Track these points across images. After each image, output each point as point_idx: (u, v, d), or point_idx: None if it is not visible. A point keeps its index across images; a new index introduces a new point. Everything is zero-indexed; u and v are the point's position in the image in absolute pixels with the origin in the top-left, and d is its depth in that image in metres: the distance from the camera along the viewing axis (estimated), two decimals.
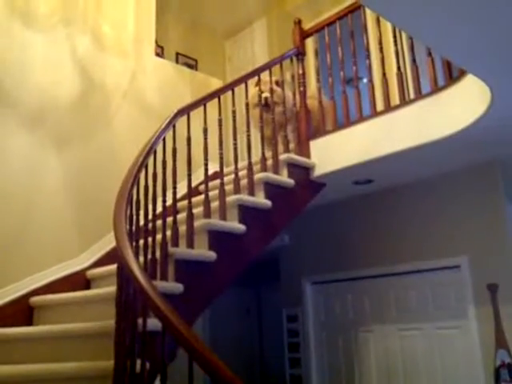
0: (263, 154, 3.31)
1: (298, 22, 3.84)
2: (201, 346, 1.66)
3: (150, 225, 2.65)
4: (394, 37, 3.23)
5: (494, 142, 3.00)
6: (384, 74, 3.23)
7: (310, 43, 4.25)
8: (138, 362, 1.98)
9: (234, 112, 3.21)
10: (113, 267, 3.12)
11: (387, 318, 3.83)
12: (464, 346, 3.35)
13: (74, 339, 2.53)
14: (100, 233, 3.43)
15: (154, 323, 2.11)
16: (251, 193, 3.13)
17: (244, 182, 3.19)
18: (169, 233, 2.75)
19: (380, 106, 3.29)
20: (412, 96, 3.13)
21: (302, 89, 3.67)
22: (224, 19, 5.47)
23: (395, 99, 3.25)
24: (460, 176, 3.50)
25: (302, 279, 4.41)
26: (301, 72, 3.71)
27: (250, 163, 3.18)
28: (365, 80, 4.94)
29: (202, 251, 2.76)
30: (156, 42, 4.40)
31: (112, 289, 2.72)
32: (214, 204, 3.03)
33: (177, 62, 5.07)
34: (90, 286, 3.28)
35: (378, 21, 3.31)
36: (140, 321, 1.99)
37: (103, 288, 2.92)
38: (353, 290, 4.09)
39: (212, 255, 2.75)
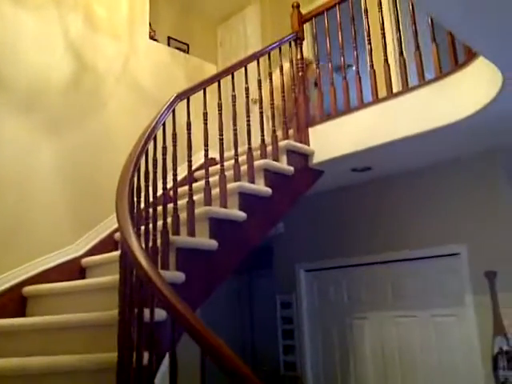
0: (263, 140, 3.25)
1: (297, 6, 3.75)
2: (215, 340, 1.61)
3: (151, 211, 2.57)
4: (397, 22, 3.17)
5: (499, 129, 2.98)
6: (386, 60, 3.18)
7: (307, 28, 4.17)
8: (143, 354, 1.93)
9: (233, 97, 3.13)
10: (110, 255, 3.05)
11: (383, 305, 3.83)
12: (461, 333, 3.36)
13: (71, 330, 2.45)
14: (95, 219, 3.35)
15: (157, 313, 2.06)
16: (251, 180, 3.07)
17: (243, 168, 3.12)
18: (169, 220, 2.68)
19: (382, 94, 3.23)
20: (415, 83, 3.07)
21: (300, 74, 3.60)
22: (216, 3, 5.34)
23: (397, 86, 3.21)
24: (460, 164, 3.48)
25: (295, 266, 4.39)
26: (299, 57, 3.64)
27: (249, 149, 3.12)
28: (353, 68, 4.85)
29: (204, 240, 2.70)
30: (150, 24, 4.28)
31: (109, 278, 2.65)
32: (214, 191, 2.96)
33: (168, 46, 4.94)
34: (86, 274, 3.20)
35: (381, 5, 3.25)
36: (146, 311, 1.93)
37: (100, 277, 2.84)
38: (348, 278, 4.08)
39: (214, 244, 2.69)
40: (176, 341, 2.23)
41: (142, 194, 2.50)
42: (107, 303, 2.50)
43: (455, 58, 2.83)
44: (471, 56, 2.69)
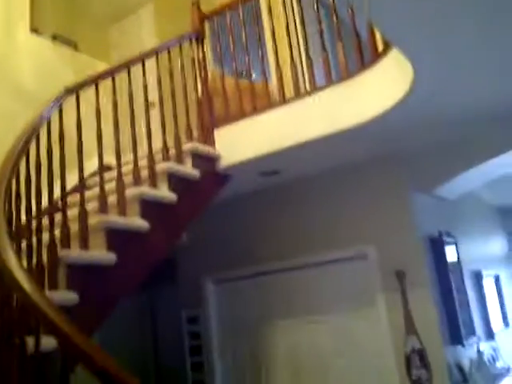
0: (165, 142, 2.98)
1: (196, 3, 3.55)
2: (119, 371, 1.33)
3: (34, 223, 2.18)
4: (302, 22, 3.10)
5: (404, 131, 3.00)
6: (292, 59, 3.09)
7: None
8: None
9: (130, 94, 2.83)
10: None
11: (294, 313, 3.71)
12: (374, 335, 3.33)
13: None
14: None
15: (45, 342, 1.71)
16: (153, 185, 2.78)
17: (144, 173, 2.83)
18: (57, 232, 2.30)
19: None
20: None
21: (203, 74, 3.40)
22: (104, 3, 4.96)
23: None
24: (367, 166, 3.48)
25: (202, 278, 4.13)
26: (201, 56, 3.43)
27: (150, 151, 2.84)
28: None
29: (100, 253, 2.37)
30: (32, 20, 3.82)
31: None
32: (110, 198, 2.63)
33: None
34: None
35: (284, 4, 3.16)
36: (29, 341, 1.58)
37: None
38: (258, 287, 3.91)
39: (111, 258, 2.37)
40: (69, 373, 1.89)
41: (23, 204, 2.12)
42: None
43: (361, 58, 2.80)
44: (378, 56, 2.68)
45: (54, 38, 4.57)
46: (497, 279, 4.67)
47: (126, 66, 2.87)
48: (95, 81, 2.65)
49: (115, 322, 4.89)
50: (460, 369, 3.20)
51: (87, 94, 2.71)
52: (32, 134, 2.16)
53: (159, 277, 4.82)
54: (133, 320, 5.22)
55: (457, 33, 1.95)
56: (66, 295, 2.13)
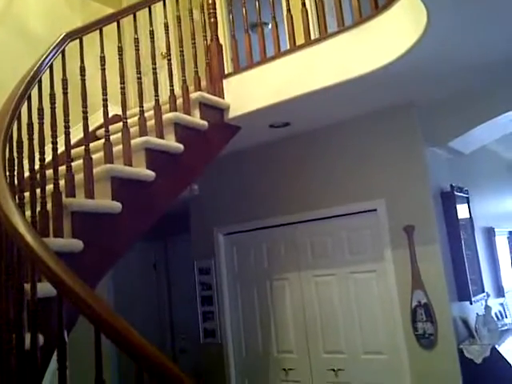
0: (172, 91, 2.92)
1: None
2: (109, 315, 1.34)
3: (39, 172, 2.19)
4: None
5: (418, 79, 2.88)
6: (303, 4, 2.95)
7: None
8: (28, 336, 1.62)
9: (136, 40, 2.75)
10: None
11: (303, 265, 3.73)
12: (381, 288, 3.34)
13: None
14: None
15: (46, 289, 1.74)
16: (160, 135, 2.75)
17: (150, 123, 2.79)
18: (62, 182, 2.31)
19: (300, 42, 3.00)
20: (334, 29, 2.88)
21: (212, 20, 3.28)
22: None
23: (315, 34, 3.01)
24: (378, 118, 3.38)
25: (214, 230, 4.16)
26: (210, 1, 3.31)
27: (157, 100, 2.79)
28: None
29: (105, 201, 2.38)
30: None
31: None
32: (116, 149, 2.61)
33: None
34: None
35: None
36: (28, 287, 1.61)
37: None
38: (268, 239, 3.93)
39: (116, 206, 2.38)
40: (73, 320, 1.94)
41: (26, 153, 2.12)
42: None
43: (375, 1, 2.66)
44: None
45: None
46: (510, 236, 4.59)
47: (132, 10, 2.77)
48: (99, 25, 2.58)
49: (133, 271, 5.06)
50: (466, 324, 3.20)
51: (94, 46, 2.64)
52: (33, 78, 2.12)
53: (174, 228, 4.91)
54: (149, 270, 5.37)
55: None
56: (70, 242, 2.16)
